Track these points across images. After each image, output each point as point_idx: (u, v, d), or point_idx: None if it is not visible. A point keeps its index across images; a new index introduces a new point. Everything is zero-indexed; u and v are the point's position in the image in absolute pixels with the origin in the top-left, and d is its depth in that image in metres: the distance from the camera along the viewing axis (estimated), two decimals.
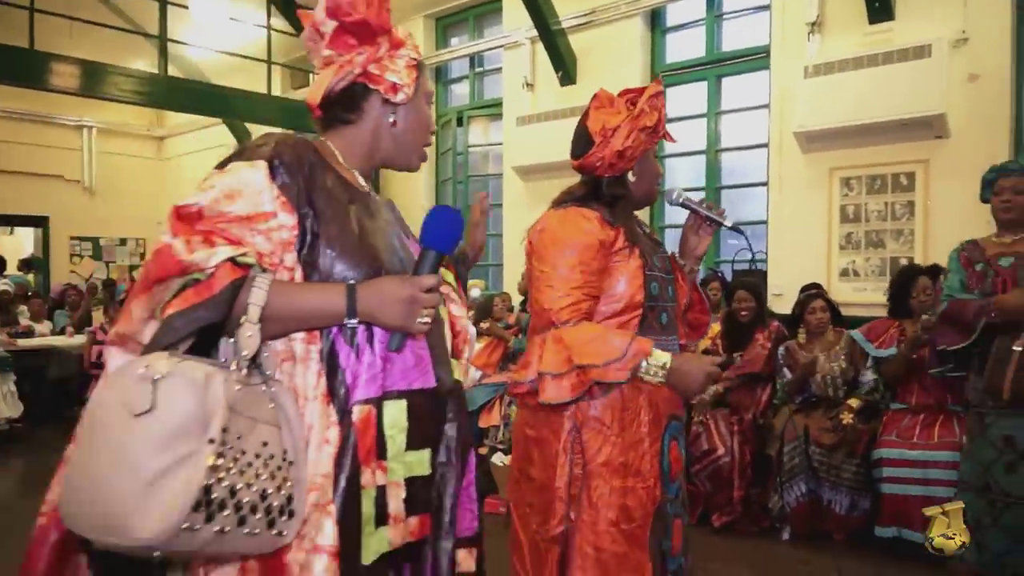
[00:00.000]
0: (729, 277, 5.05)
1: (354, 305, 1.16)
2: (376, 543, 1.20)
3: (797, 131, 4.82)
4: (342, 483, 1.16)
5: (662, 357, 1.66)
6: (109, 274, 10.45)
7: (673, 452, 1.84)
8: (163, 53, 6.65)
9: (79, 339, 6.89)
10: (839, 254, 4.90)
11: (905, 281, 3.88)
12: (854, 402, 3.69)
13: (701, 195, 1.78)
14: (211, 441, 0.98)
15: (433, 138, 1.45)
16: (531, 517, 1.79)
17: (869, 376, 3.81)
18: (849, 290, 4.81)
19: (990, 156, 4.37)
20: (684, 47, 5.91)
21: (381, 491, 1.21)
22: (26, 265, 10.49)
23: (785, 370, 3.97)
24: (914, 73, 4.39)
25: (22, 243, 12.15)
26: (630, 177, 1.85)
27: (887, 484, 3.40)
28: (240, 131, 9.15)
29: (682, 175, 6.13)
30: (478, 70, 7.35)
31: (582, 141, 1.86)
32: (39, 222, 10.42)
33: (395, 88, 1.32)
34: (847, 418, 3.58)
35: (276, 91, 8.39)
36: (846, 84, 4.61)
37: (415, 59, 1.36)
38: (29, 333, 7.03)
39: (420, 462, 1.28)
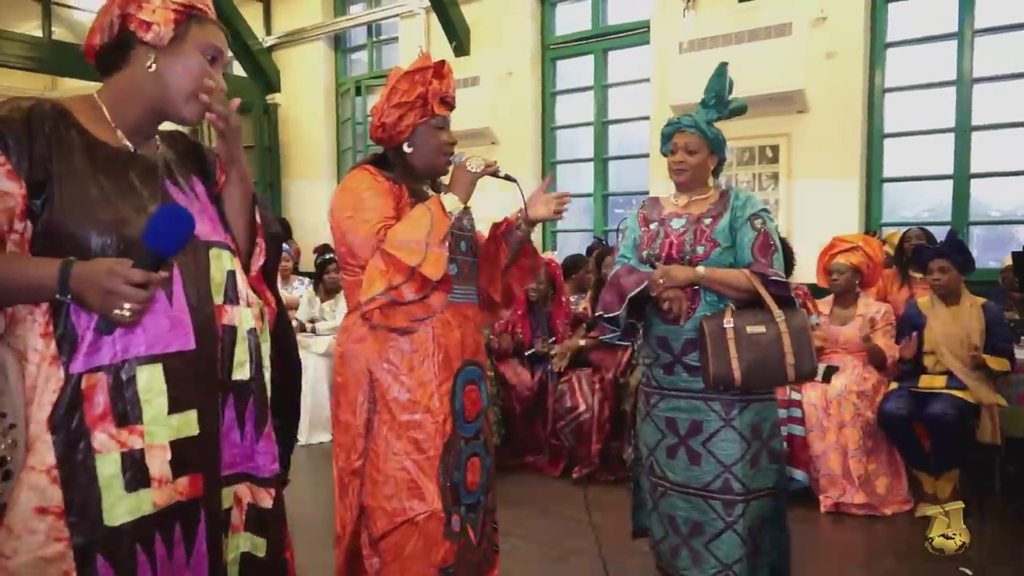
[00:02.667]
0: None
1: (67, 282, 1.14)
2: (130, 505, 1.22)
3: (674, 104, 5.00)
4: (61, 447, 1.17)
5: (449, 199, 1.88)
6: None
7: (471, 395, 1.99)
8: (47, 16, 6.38)
9: None
10: None
11: None
12: None
13: (481, 161, 1.89)
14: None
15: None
16: (339, 455, 1.96)
17: None
18: None
19: (846, 129, 4.69)
20: (572, 20, 6.03)
21: (136, 455, 1.22)
22: None
23: None
24: (777, 50, 4.62)
25: None
26: (406, 148, 1.98)
27: None
28: None
29: (571, 146, 6.29)
30: (375, 39, 7.32)
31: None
32: None
33: (145, 26, 1.29)
34: None
35: None
36: (717, 60, 4.75)
37: (180, 4, 1.33)
38: None
39: (187, 423, 1.29)
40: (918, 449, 3.54)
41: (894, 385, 3.70)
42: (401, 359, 1.90)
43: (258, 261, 1.54)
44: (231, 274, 1.41)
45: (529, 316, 4.52)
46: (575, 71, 6.07)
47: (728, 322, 2.12)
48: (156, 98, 1.34)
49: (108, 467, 1.20)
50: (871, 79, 4.72)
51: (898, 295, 4.18)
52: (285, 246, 5.92)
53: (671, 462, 2.28)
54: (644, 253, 2.34)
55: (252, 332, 1.45)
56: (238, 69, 7.78)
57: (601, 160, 5.92)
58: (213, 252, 1.38)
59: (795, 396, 3.72)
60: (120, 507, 1.20)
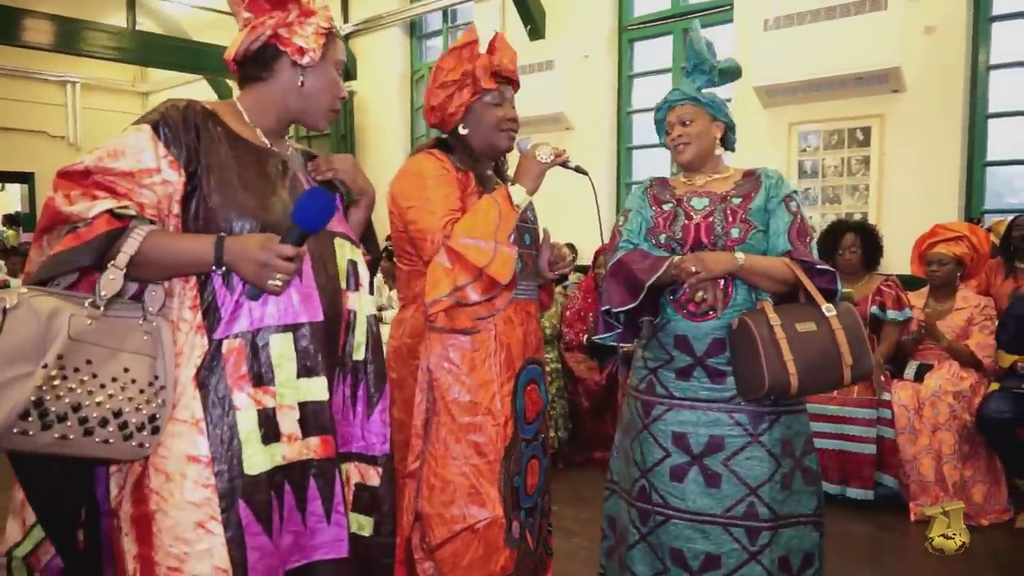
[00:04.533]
0: None
1: (221, 255, 1.30)
2: (265, 457, 1.36)
3: (757, 85, 4.79)
4: (206, 403, 1.32)
5: (517, 192, 1.79)
6: None
7: (532, 395, 1.91)
8: (131, 7, 6.62)
9: None
10: None
11: (832, 237, 3.90)
12: None
13: (551, 150, 1.78)
14: (44, 366, 1.15)
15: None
16: (395, 454, 1.87)
17: None
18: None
19: (945, 110, 4.37)
20: (651, 0, 5.83)
21: (269, 412, 1.37)
22: (9, 221, 10.59)
23: None
24: (870, 26, 4.34)
25: (12, 199, 12.23)
26: (461, 130, 1.90)
27: None
28: (221, 86, 9.14)
29: (647, 131, 6.10)
30: (451, 24, 7.28)
31: None
32: (25, 178, 10.48)
33: (302, 51, 1.45)
34: None
35: None
36: (805, 37, 4.57)
37: (325, 28, 1.48)
38: (5, 286, 7.16)
39: (313, 388, 1.43)
40: (1021, 455, 3.29)
41: (995, 386, 3.43)
42: (462, 358, 1.81)
43: None
44: (352, 263, 1.55)
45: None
46: (653, 53, 5.88)
47: (775, 319, 1.81)
48: (297, 108, 1.51)
49: (247, 422, 1.35)
50: (974, 55, 4.37)
51: (1002, 287, 3.87)
52: None
53: (676, 486, 1.94)
54: (661, 237, 2.01)
55: (372, 317, 1.57)
56: None
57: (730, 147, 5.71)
58: (337, 241, 1.53)
59: (885, 396, 3.50)
60: (258, 457, 1.35)
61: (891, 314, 3.72)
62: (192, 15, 8.46)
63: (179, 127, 1.35)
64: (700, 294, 1.86)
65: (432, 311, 1.74)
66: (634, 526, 2.01)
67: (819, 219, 4.75)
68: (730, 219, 1.95)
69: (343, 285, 1.52)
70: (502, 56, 1.88)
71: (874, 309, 3.74)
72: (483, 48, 1.89)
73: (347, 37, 7.79)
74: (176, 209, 1.34)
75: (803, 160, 4.84)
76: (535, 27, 6.06)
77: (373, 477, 1.55)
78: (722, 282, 1.91)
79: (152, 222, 1.30)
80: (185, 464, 1.30)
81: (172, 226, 1.34)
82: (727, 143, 2.10)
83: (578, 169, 1.90)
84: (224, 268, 1.31)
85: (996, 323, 3.54)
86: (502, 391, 1.82)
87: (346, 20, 7.81)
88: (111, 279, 1.24)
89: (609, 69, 5.89)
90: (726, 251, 1.91)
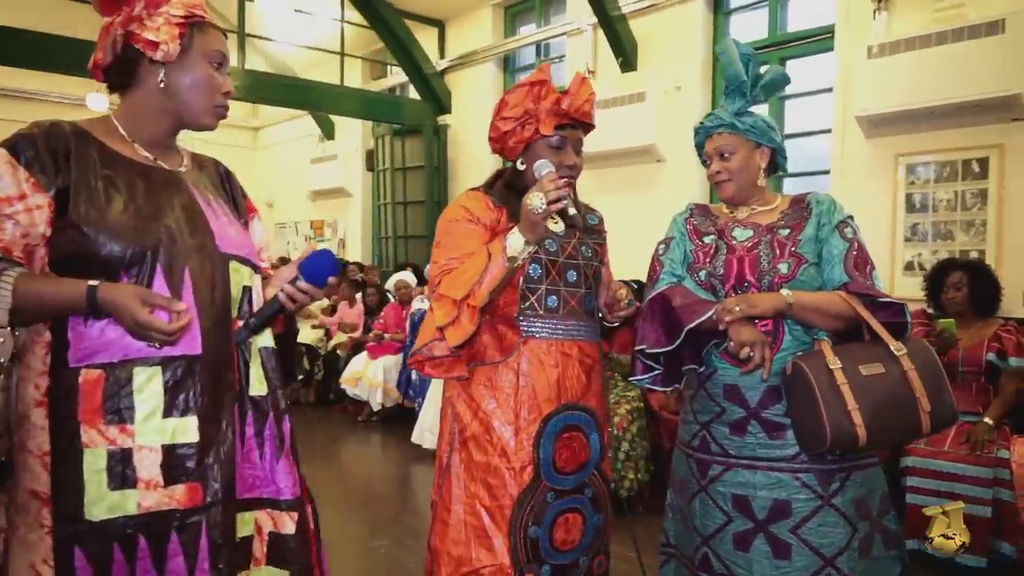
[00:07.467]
0: None
1: (95, 307, 1.19)
2: (113, 502, 1.22)
3: (860, 115, 4.55)
4: (53, 435, 1.21)
5: (513, 241, 1.65)
6: None
7: (571, 443, 1.79)
8: (242, 48, 6.98)
9: None
10: (904, 246, 4.59)
11: (938, 275, 3.61)
12: None
13: (542, 199, 1.58)
14: None
15: (227, 99, 1.44)
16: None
17: None
18: (914, 285, 4.49)
19: None
20: (748, 29, 5.67)
21: (123, 453, 1.23)
22: None
23: None
24: (987, 51, 4.06)
25: None
26: (519, 164, 1.86)
27: (911, 494, 3.19)
28: (323, 122, 9.51)
29: None
30: (543, 58, 7.32)
31: None
32: None
33: (154, 45, 1.31)
34: None
35: (356, 83, 8.66)
36: (913, 64, 4.32)
37: (181, 16, 1.34)
38: None
39: (183, 429, 1.28)
40: None
41: None
42: (483, 395, 1.77)
43: None
44: (247, 289, 1.43)
45: None
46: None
47: (834, 362, 1.60)
48: (172, 111, 1.38)
49: (94, 462, 1.22)
50: None
51: None
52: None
53: (742, 555, 1.71)
54: (701, 273, 1.81)
55: (267, 350, 1.45)
56: (412, 93, 8.10)
57: (777, 178, 5.49)
58: (233, 265, 1.39)
59: (1002, 454, 3.18)
60: (102, 503, 1.22)
61: (1013, 361, 3.39)
62: (298, 54, 8.85)
63: (41, 147, 1.24)
64: (745, 351, 1.64)
65: (409, 361, 1.78)
66: None
67: (929, 256, 4.44)
68: (777, 252, 1.76)
69: (234, 314, 1.39)
70: (576, 99, 1.80)
71: (991, 356, 3.42)
72: (567, 80, 1.84)
73: (442, 72, 7.97)
74: (47, 231, 1.23)
75: (912, 193, 4.54)
76: (626, 59, 6.01)
77: (287, 524, 1.42)
78: (771, 338, 1.71)
79: (18, 263, 1.20)
80: (29, 499, 1.21)
81: (42, 253, 1.24)
82: (777, 169, 1.91)
83: (571, 224, 1.80)
84: (100, 317, 1.21)
85: None
86: (521, 434, 1.75)
87: (442, 56, 8.00)
88: (1, 342, 1.19)
89: (702, 100, 5.75)
90: (772, 289, 1.71)
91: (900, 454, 3.32)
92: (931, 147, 4.45)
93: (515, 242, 1.64)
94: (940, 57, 4.21)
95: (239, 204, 1.55)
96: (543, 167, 1.72)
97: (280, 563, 1.42)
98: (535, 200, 1.59)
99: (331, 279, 1.46)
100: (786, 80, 1.92)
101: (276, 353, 1.50)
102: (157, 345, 1.23)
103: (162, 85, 1.35)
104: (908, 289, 4.42)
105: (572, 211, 1.66)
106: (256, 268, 1.48)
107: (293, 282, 1.45)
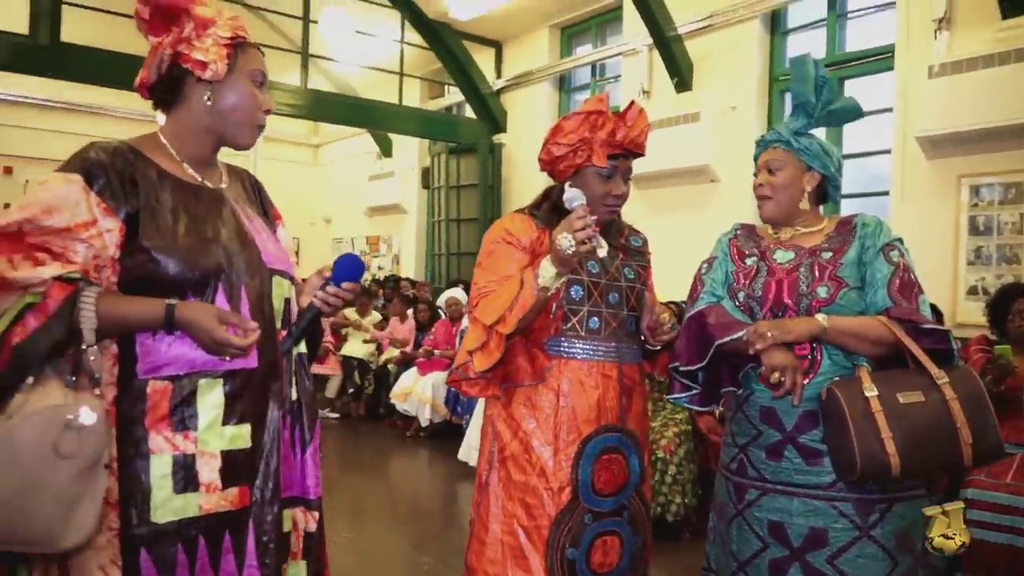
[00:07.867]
0: None
1: (172, 323, 1.26)
2: (177, 505, 1.28)
3: (920, 135, 4.48)
4: (120, 443, 1.26)
5: (545, 271, 1.65)
6: None
7: (611, 465, 1.80)
8: (304, 67, 7.20)
9: None
10: (967, 270, 4.47)
11: (1002, 300, 3.50)
12: None
13: (571, 240, 1.56)
14: (106, 467, 1.20)
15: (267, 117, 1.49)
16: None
17: None
18: (977, 310, 4.38)
19: None
20: (806, 49, 5.61)
21: (187, 459, 1.30)
22: None
23: None
24: None
25: None
26: (567, 187, 1.84)
27: (972, 528, 3.07)
28: (382, 140, 9.74)
29: None
30: (599, 78, 7.38)
31: None
32: None
33: (203, 65, 1.36)
34: None
35: (415, 102, 8.85)
36: (976, 84, 4.23)
37: (228, 37, 1.39)
38: None
39: (240, 435, 1.35)
40: None
41: None
42: (523, 415, 1.78)
43: None
44: (287, 301, 1.50)
45: None
46: None
47: (871, 389, 1.55)
48: (216, 129, 1.43)
49: (160, 467, 1.28)
50: None
51: None
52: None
53: None
54: (740, 295, 1.78)
55: (301, 356, 1.54)
56: (469, 112, 8.24)
57: (834, 200, 5.41)
58: (276, 279, 1.46)
59: None
60: (167, 506, 1.28)
61: None
62: (359, 74, 9.09)
63: (112, 174, 1.29)
64: (776, 375, 1.60)
65: (448, 380, 1.82)
66: None
67: (994, 280, 4.32)
68: (817, 276, 1.71)
69: (278, 325, 1.46)
70: (632, 131, 1.81)
71: None
72: (623, 100, 1.87)
73: (499, 92, 8.10)
74: (116, 253, 1.28)
75: (975, 215, 4.43)
76: (682, 79, 6.02)
77: (311, 523, 1.51)
78: (806, 362, 1.67)
79: (95, 284, 1.24)
80: (104, 505, 1.24)
81: (108, 273, 1.28)
82: (826, 199, 1.86)
83: (601, 262, 1.82)
84: (176, 332, 1.28)
85: None
86: (559, 455, 1.75)
87: (499, 76, 8.13)
88: (93, 360, 1.21)
89: (757, 120, 5.72)
90: (810, 313, 1.67)
91: (960, 486, 3.22)
92: (996, 168, 4.34)
93: (547, 272, 1.64)
94: (1004, 77, 4.13)
95: (268, 214, 1.61)
96: (575, 199, 1.65)
97: (305, 556, 1.51)
98: (563, 242, 1.57)
99: (351, 284, 1.54)
100: (858, 113, 1.88)
101: (308, 359, 1.58)
102: (228, 359, 1.30)
103: (208, 103, 1.40)
104: (971, 314, 4.30)
105: (602, 253, 1.62)
106: (293, 280, 1.54)
107: (324, 287, 1.51)
